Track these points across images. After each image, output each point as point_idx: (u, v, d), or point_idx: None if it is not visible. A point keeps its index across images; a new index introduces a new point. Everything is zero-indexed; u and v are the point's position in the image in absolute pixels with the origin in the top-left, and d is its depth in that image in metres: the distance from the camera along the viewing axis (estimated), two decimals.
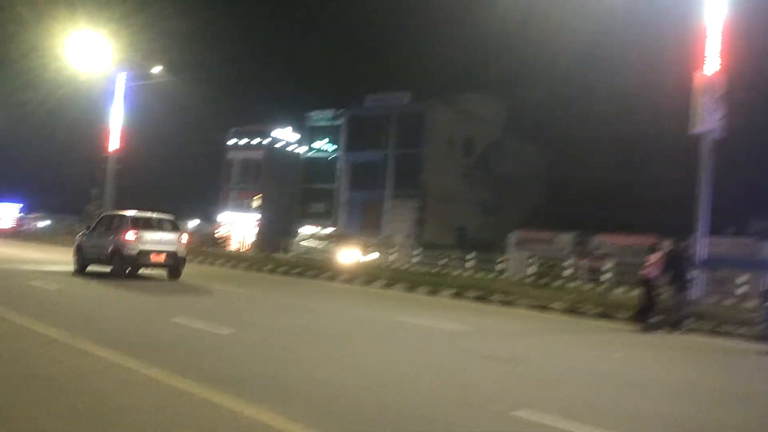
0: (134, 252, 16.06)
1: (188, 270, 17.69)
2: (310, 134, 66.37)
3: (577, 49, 50.41)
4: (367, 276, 20.11)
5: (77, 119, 52.70)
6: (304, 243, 47.13)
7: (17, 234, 40.53)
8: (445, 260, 31.20)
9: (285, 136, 68.06)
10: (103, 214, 19.51)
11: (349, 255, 32.02)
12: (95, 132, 48.52)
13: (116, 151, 34.21)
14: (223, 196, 67.55)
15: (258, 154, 66.32)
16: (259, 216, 64.86)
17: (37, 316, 9.14)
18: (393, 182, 53.25)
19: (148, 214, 17.35)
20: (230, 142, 67.55)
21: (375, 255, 35.32)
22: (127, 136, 35.38)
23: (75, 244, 18.11)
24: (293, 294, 16.40)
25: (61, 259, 20.71)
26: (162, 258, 16.47)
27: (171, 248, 16.64)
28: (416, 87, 55.51)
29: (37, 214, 51.13)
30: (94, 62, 31.72)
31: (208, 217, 68.97)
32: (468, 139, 54.37)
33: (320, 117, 65.64)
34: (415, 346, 9.30)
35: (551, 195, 53.99)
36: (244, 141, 67.41)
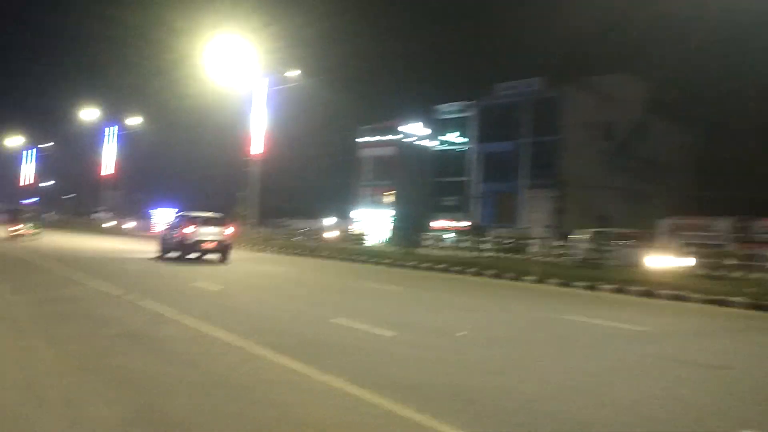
0: (191, 241, 21.57)
1: (336, 268, 17.74)
2: (439, 127, 66.02)
3: (725, 17, 46.06)
4: (515, 271, 19.24)
5: (222, 124, 55.66)
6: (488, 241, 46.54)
7: None
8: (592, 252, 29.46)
9: (415, 130, 68.20)
10: (177, 215, 25.57)
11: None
12: (239, 136, 50.99)
13: (259, 154, 35.42)
14: (356, 193, 68.89)
15: (389, 150, 66.89)
16: (392, 211, 65.38)
17: (205, 318, 9.25)
18: (528, 172, 51.57)
19: (203, 214, 23.08)
20: (362, 140, 68.74)
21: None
22: (269, 140, 36.58)
23: (159, 237, 24.96)
24: (446, 291, 15.90)
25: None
26: (211, 245, 21.83)
27: (218, 238, 22.03)
28: (548, 72, 53.43)
29: None
30: (237, 69, 33.06)
31: (344, 215, 70.62)
32: (607, 123, 51.49)
33: (449, 109, 65.13)
34: (596, 348, 8.47)
35: (701, 178, 49.97)
36: (375, 138, 68.28)
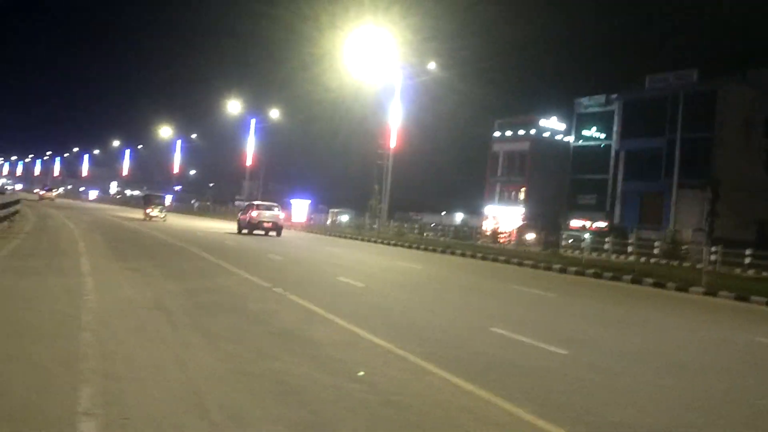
0: (255, 221, 30.44)
1: (475, 267, 16.82)
2: (578, 122, 63.06)
3: None
4: (678, 280, 17.40)
5: (359, 117, 56.22)
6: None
7: (310, 228, 44.33)
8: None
9: (551, 125, 65.62)
10: (246, 204, 35.42)
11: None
12: (375, 129, 51.24)
13: (395, 148, 35.15)
14: (488, 189, 67.34)
15: (523, 146, 64.80)
16: (524, 209, 63.28)
17: (356, 319, 8.70)
18: (678, 171, 47.75)
19: (264, 203, 33.65)
20: (495, 134, 67.09)
21: None
22: (403, 133, 36.22)
23: (237, 219, 33.69)
24: (607, 301, 14.51)
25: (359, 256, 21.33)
26: (269, 225, 30.62)
27: (274, 220, 31.18)
28: (703, 64, 49.28)
29: (336, 209, 55.56)
30: (376, 62, 32.90)
31: (474, 210, 69.29)
32: None
33: (590, 103, 62.00)
34: None
35: None
36: (508, 132, 66.37)
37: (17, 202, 30.44)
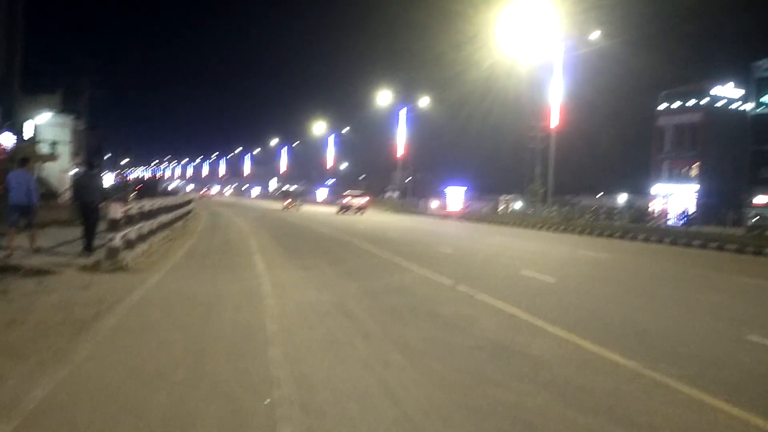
0: (348, 205, 44.83)
1: (670, 254, 14.52)
2: (758, 87, 56.44)
3: None
4: None
5: (512, 98, 53.99)
6: None
7: (467, 216, 42.93)
8: None
9: (726, 92, 59.13)
10: (345, 193, 50.30)
11: None
12: (528, 110, 48.75)
13: (556, 127, 32.79)
14: (654, 167, 62.11)
15: (694, 117, 58.95)
16: (697, 186, 57.62)
17: (571, 327, 7.26)
18: None
19: (354, 191, 49.77)
20: (661, 107, 61.65)
21: None
22: (564, 111, 33.73)
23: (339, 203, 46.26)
24: None
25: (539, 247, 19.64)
26: (357, 206, 44.98)
27: (360, 204, 45.59)
28: None
29: (508, 196, 53.95)
30: (533, 36, 30.78)
31: (637, 190, 64.22)
32: None
33: None
34: None
35: None
36: (676, 104, 60.71)
37: (190, 202, 31.90)
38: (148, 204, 15.49)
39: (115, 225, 11.78)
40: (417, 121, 64.90)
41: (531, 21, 30.70)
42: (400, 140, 59.53)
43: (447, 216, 42.67)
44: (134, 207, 13.79)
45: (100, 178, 16.13)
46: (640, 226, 31.84)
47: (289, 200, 50.55)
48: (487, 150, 74.39)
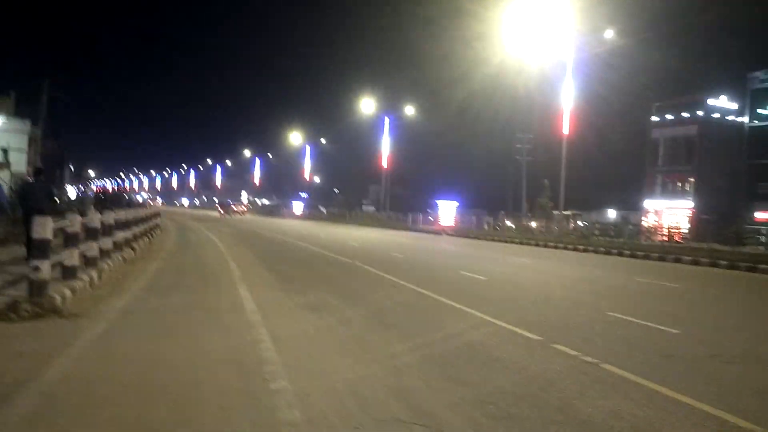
0: (232, 210, 66.63)
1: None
2: (753, 99, 54.59)
3: None
4: None
5: (501, 108, 51.16)
6: None
7: (462, 232, 39.52)
8: None
9: (722, 104, 56.92)
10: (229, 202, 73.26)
11: None
12: (517, 120, 45.80)
13: (569, 135, 29.71)
14: (647, 181, 59.53)
15: (689, 130, 56.51)
16: (692, 202, 55.16)
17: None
18: None
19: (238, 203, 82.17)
20: (653, 119, 59.15)
21: None
22: (552, 120, 30.75)
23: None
24: None
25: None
26: (237, 212, 69.30)
27: (241, 209, 74.86)
28: None
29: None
30: (534, 40, 27.80)
31: (628, 206, 61.56)
32: None
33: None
34: None
35: None
36: (670, 116, 58.28)
37: (157, 215, 28.11)
38: (96, 218, 11.86)
39: (43, 248, 8.23)
40: (399, 132, 61.60)
41: (533, 25, 27.70)
42: (384, 151, 55.95)
43: (439, 231, 39.32)
44: (75, 222, 10.18)
45: (49, 187, 13.65)
46: (674, 245, 28.68)
47: (225, 209, 65.74)
48: (473, 163, 71.49)
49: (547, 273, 15.80)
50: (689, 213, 54.19)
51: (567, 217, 39.79)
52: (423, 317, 8.40)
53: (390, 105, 59.79)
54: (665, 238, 39.33)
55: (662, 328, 8.11)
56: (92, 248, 11.43)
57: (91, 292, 9.61)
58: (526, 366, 5.93)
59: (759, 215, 49.16)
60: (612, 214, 65.60)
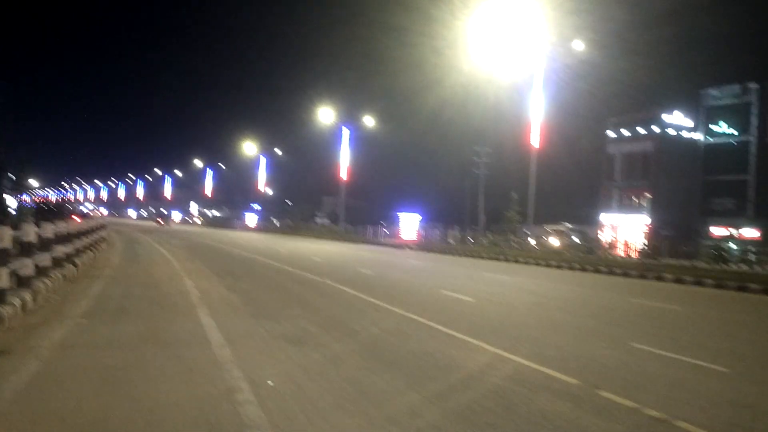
0: (164, 220, 78.63)
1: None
2: (707, 116, 55.47)
3: None
4: None
5: (458, 118, 50.47)
6: None
7: (427, 246, 38.33)
8: None
9: (676, 121, 57.51)
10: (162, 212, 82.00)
11: None
12: (478, 131, 44.94)
13: (538, 148, 28.89)
14: (603, 195, 59.67)
15: (644, 146, 56.96)
16: (648, 217, 55.42)
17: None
18: None
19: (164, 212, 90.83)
20: (609, 135, 59.40)
21: None
22: (545, 131, 29.99)
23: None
24: None
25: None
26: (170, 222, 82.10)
27: (173, 220, 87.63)
28: None
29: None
30: (504, 52, 27.01)
31: (584, 220, 61.52)
32: None
33: (722, 94, 54.45)
34: None
35: None
36: (625, 132, 58.63)
37: (102, 227, 26.08)
38: (32, 231, 10.18)
39: None
40: (358, 143, 60.29)
41: (504, 34, 26.93)
42: (343, 162, 54.47)
43: (401, 245, 38.07)
44: (4, 236, 8.51)
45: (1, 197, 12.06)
46: (652, 262, 27.96)
47: (163, 219, 77.39)
48: (433, 175, 70.69)
49: (535, 293, 14.67)
50: (645, 228, 54.41)
51: (561, 232, 38.78)
52: (426, 351, 7.07)
53: (350, 115, 58.53)
54: (623, 254, 39.09)
55: (704, 364, 6.99)
56: (26, 266, 9.78)
57: (22, 320, 8.04)
58: (586, 427, 4.66)
59: (714, 230, 49.68)
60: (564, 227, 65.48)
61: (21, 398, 4.78)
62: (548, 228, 44.57)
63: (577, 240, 39.22)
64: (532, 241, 33.32)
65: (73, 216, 30.15)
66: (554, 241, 38.80)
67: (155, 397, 4.92)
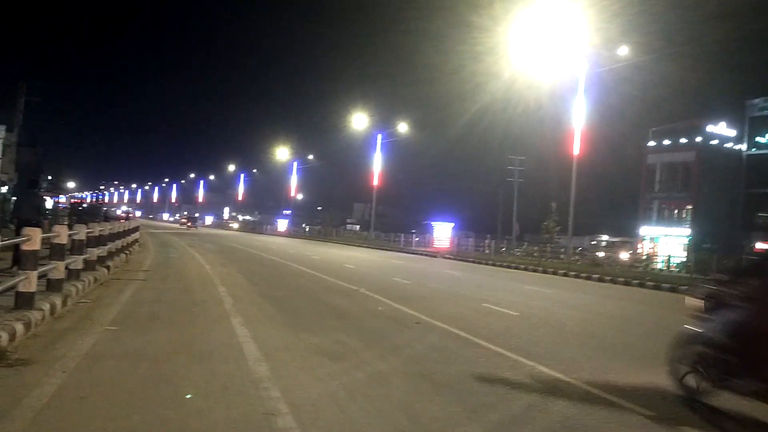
0: (187, 224, 75.55)
1: None
2: (751, 127, 53.73)
3: None
4: None
5: (496, 129, 49.70)
6: None
7: (461, 254, 37.62)
8: None
9: (720, 131, 55.79)
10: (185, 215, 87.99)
11: None
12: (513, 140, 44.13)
13: (578, 155, 28.05)
14: (643, 207, 58.11)
15: (686, 156, 55.27)
16: (688, 230, 53.78)
17: None
18: None
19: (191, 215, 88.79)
20: (650, 144, 57.88)
21: None
22: (585, 138, 29.11)
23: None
24: None
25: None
26: (189, 225, 72.92)
27: (193, 224, 74.98)
28: None
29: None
30: (548, 57, 26.30)
31: (624, 232, 59.92)
32: None
33: (766, 104, 52.80)
34: None
35: None
36: (667, 142, 57.05)
37: (136, 229, 25.98)
38: (65, 232, 9.88)
39: None
40: (391, 149, 59.73)
41: (548, 40, 26.24)
42: (376, 169, 53.98)
43: (434, 254, 37.42)
44: (35, 238, 8.18)
45: (41, 199, 14.05)
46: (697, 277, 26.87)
47: (189, 223, 73.40)
48: (467, 183, 69.94)
49: (581, 308, 13.93)
50: (686, 241, 52.85)
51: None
52: (478, 374, 6.48)
53: (384, 122, 58.02)
54: (666, 267, 37.83)
55: None
56: (57, 268, 9.47)
57: (50, 325, 7.69)
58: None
59: (760, 246, 48.02)
60: (603, 240, 64.05)
61: (41, 418, 4.34)
62: (612, 239, 43.16)
63: (625, 254, 38.13)
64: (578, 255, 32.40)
65: (107, 218, 30.18)
66: (624, 255, 37.76)
67: (186, 422, 4.44)
